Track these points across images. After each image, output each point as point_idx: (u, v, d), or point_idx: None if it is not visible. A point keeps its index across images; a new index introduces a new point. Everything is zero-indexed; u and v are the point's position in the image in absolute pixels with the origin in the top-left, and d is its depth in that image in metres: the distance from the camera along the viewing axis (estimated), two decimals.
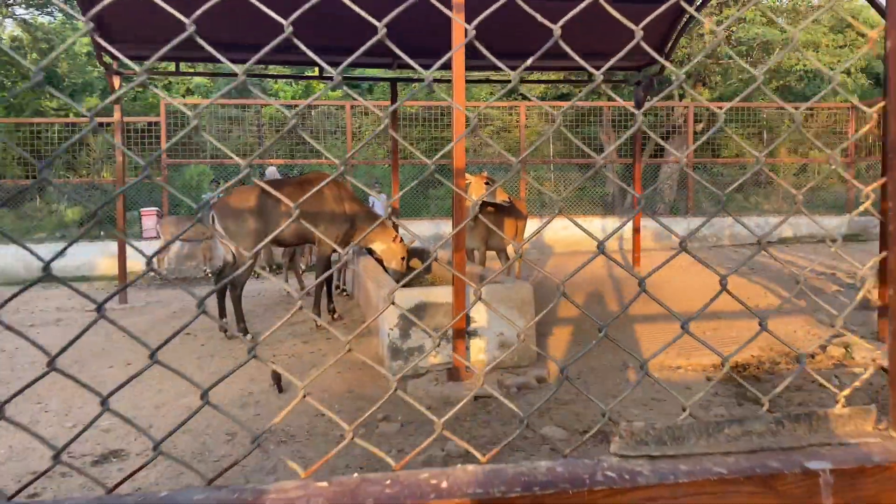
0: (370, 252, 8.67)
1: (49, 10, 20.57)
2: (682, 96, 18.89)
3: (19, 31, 19.45)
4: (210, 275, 13.22)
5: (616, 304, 8.83)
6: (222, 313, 7.85)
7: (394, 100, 11.80)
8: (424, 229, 15.18)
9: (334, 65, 12.33)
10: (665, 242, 15.22)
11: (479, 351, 6.01)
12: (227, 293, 7.82)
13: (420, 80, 19.96)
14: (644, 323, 7.59)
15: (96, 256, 13.79)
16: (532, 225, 11.99)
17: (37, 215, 17.70)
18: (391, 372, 6.00)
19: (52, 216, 17.65)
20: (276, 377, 6.10)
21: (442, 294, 6.06)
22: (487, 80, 19.68)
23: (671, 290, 9.58)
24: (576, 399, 5.24)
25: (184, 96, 23.25)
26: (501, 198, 7.94)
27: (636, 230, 10.54)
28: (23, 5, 20.02)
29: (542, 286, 9.80)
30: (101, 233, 16.50)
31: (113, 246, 13.27)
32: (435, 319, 6.00)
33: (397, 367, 5.96)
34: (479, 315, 6.05)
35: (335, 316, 8.42)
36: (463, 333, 5.74)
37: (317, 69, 11.38)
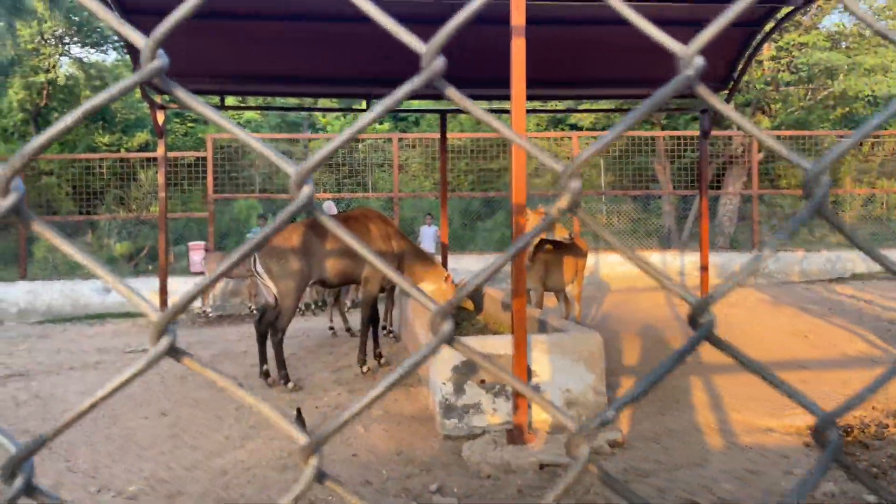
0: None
1: (104, 48, 20.90)
2: (739, 127, 18.10)
3: (74, 70, 19.75)
4: (255, 312, 12.87)
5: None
6: (263, 359, 7.40)
7: (443, 131, 11.38)
8: (472, 264, 14.63)
9: (382, 96, 12.04)
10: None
11: (543, 409, 5.41)
12: (269, 338, 7.37)
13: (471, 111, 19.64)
14: (722, 373, 6.88)
15: (142, 292, 13.52)
16: (591, 261, 11.35)
17: (88, 249, 17.72)
18: (444, 431, 5.43)
19: (103, 251, 17.65)
20: (300, 421, 5.67)
21: (500, 344, 5.49)
22: (534, 111, 19.28)
23: (743, 333, 8.83)
24: (658, 469, 4.59)
25: None
26: (561, 234, 7.37)
27: (704, 268, 9.82)
28: (78, 44, 20.36)
29: (603, 328, 9.14)
30: (150, 267, 16.40)
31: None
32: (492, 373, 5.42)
33: (451, 426, 5.39)
34: (542, 368, 5.46)
35: (382, 361, 7.91)
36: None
37: (364, 102, 11.04)
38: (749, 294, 11.98)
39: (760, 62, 17.34)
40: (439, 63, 0.66)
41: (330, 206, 14.30)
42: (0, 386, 7.66)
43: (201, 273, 14.00)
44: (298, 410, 5.86)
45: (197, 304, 13.32)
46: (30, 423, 6.26)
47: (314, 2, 7.92)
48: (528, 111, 16.53)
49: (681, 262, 14.69)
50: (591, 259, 13.71)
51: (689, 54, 0.69)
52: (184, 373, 8.02)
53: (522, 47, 5.06)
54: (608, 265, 14.49)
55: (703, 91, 0.71)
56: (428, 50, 0.66)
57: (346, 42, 8.68)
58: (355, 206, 16.73)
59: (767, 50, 17.45)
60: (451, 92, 0.69)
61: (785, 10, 8.98)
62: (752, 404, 5.94)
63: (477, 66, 9.27)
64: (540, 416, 5.43)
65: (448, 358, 5.45)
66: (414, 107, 20.56)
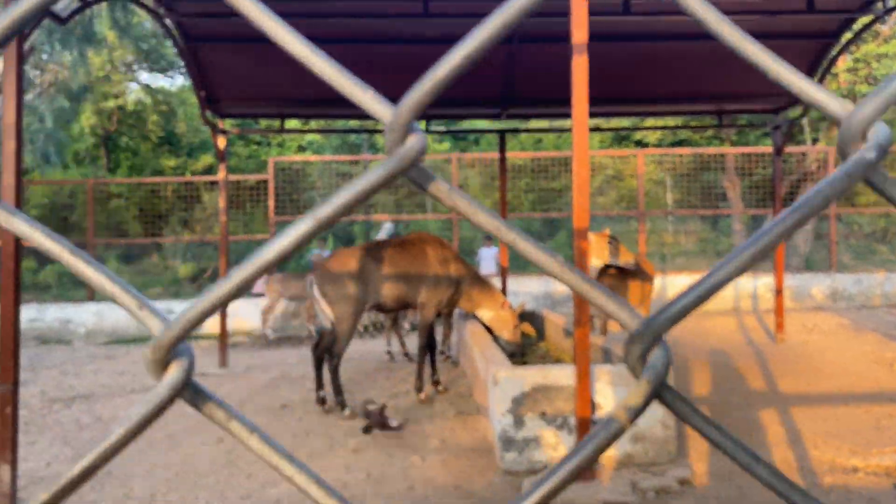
0: (477, 317, 7.96)
1: (170, 74, 21.57)
2: (815, 140, 17.39)
3: (142, 96, 20.42)
4: (315, 334, 12.87)
5: (760, 379, 7.66)
6: (320, 385, 7.30)
7: (502, 151, 11.21)
8: (533, 286, 14.34)
9: (442, 116, 11.99)
10: (806, 302, 13.70)
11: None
12: (325, 363, 7.27)
13: (531, 130, 19.42)
14: (800, 405, 6.44)
15: None
16: (658, 284, 10.93)
17: (154, 271, 18.15)
18: (503, 465, 5.19)
19: (168, 272, 18.04)
20: (377, 419, 5.62)
21: (562, 374, 5.23)
22: (598, 129, 18.93)
23: (823, 361, 8.32)
24: None
25: (296, 153, 23.66)
26: (625, 259, 7.06)
27: (778, 291, 9.33)
28: (147, 70, 21.07)
29: (671, 355, 8.74)
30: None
31: None
32: (554, 404, 5.17)
33: (511, 460, 5.14)
34: (606, 401, 5.17)
35: (439, 388, 7.71)
36: (588, 423, 4.88)
37: (423, 123, 10.99)
38: (827, 318, 11.38)
39: (836, 75, 16.65)
40: (416, 143, 0.44)
41: (389, 228, 14.24)
42: (65, 408, 7.76)
43: (261, 294, 14.09)
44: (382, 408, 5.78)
45: (258, 326, 13.40)
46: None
47: (370, 25, 7.89)
48: (590, 129, 16.28)
49: (753, 285, 14.04)
50: (657, 282, 13.29)
51: (865, 118, 0.44)
52: (242, 398, 8.00)
53: (584, 65, 4.84)
54: (675, 288, 13.98)
55: (880, 179, 0.45)
56: (395, 120, 0.45)
57: (401, 63, 8.61)
58: (414, 228, 16.67)
59: (843, 62, 16.74)
60: (435, 186, 0.48)
61: (863, 21, 8.53)
62: (833, 441, 5.52)
63: (537, 86, 9.08)
64: (606, 452, 5.14)
65: (508, 388, 5.22)
66: (474, 126, 20.46)
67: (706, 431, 0.48)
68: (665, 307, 0.46)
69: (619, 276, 7.46)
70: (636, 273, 7.58)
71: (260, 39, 8.60)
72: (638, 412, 0.46)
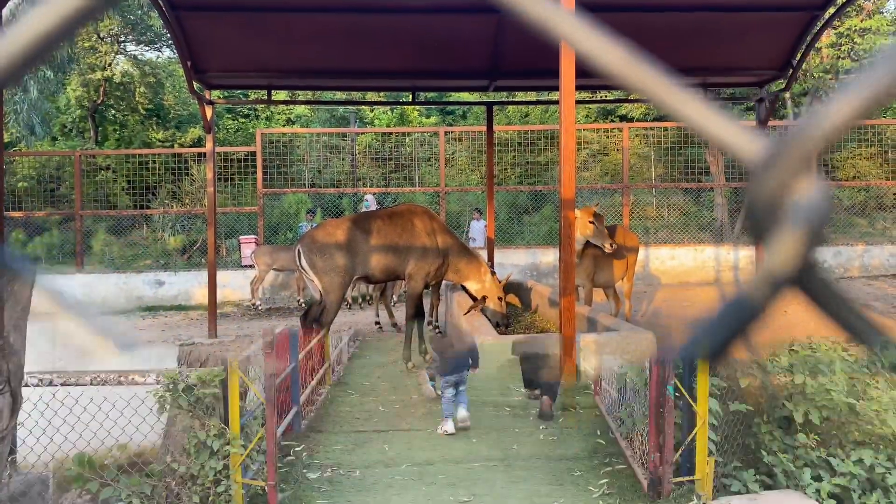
0: (464, 288, 8.08)
1: (157, 46, 21.34)
2: (797, 115, 17.52)
3: (129, 67, 20.20)
4: (304, 305, 12.97)
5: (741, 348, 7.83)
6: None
7: (489, 124, 11.26)
8: (520, 258, 14.48)
9: (429, 89, 11.95)
10: None
11: None
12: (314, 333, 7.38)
13: (518, 102, 19.44)
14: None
15: (194, 286, 13.81)
16: (641, 255, 11.08)
17: (143, 243, 18.12)
18: None
19: (157, 244, 18.02)
20: None
21: (548, 343, 5.37)
22: (583, 102, 18.99)
23: (803, 330, 8.51)
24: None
25: (284, 126, 23.55)
26: (607, 243, 7.19)
27: (759, 262, 9.48)
28: (133, 42, 20.82)
29: (654, 325, 8.92)
30: (203, 260, 16.67)
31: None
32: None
33: None
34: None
35: (427, 357, 7.85)
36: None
37: (410, 95, 10.99)
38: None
39: (819, 49, 16.75)
40: None
41: (371, 200, 14.35)
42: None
43: (251, 266, 14.15)
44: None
45: (247, 296, 13.50)
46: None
47: None
48: (576, 101, 16.28)
49: (735, 257, 14.28)
50: (640, 253, 13.46)
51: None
52: None
53: None
54: (659, 259, 14.17)
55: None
56: None
57: (389, 34, 8.62)
58: (402, 201, 16.71)
59: (826, 37, 16.84)
60: None
61: None
62: None
63: (525, 57, 9.12)
64: None
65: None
66: (462, 99, 20.43)
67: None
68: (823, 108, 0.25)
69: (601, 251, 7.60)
70: (618, 250, 7.71)
71: (245, 8, 8.60)
72: (787, 281, 0.25)
